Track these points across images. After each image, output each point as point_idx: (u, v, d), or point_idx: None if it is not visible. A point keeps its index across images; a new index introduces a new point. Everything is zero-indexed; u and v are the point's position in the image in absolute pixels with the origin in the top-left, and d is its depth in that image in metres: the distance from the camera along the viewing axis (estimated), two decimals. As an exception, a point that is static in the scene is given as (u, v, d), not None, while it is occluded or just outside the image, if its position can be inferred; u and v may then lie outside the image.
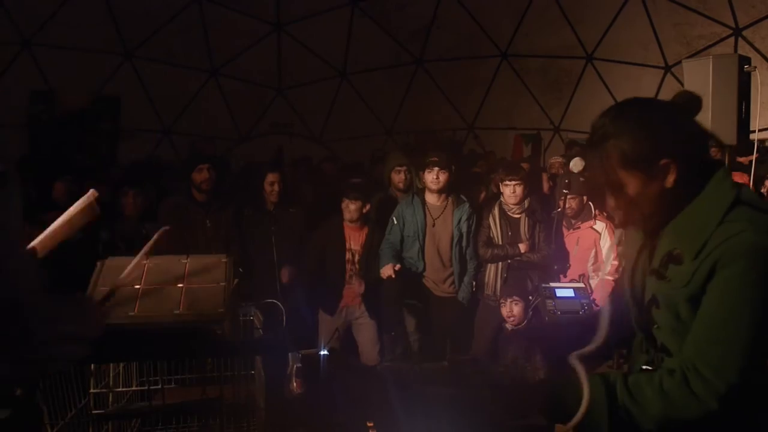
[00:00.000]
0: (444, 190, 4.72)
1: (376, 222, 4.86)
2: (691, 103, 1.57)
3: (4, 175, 0.98)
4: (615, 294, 1.84)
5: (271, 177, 4.90)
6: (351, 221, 4.67)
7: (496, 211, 4.68)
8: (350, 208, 4.64)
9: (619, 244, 1.75)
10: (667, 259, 1.51)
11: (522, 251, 4.53)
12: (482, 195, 5.91)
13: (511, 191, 4.56)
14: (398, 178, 5.33)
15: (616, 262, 4.00)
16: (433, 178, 4.65)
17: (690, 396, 1.40)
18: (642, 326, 1.64)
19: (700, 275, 1.43)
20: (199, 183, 4.67)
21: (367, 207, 4.69)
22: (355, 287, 4.63)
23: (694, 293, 1.45)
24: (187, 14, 10.51)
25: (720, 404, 1.38)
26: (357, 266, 4.65)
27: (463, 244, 4.72)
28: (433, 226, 4.71)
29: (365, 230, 4.72)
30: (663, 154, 1.47)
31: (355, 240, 4.70)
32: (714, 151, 5.70)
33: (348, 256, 4.68)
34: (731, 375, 1.38)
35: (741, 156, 6.23)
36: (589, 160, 1.58)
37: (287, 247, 4.82)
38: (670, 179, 1.48)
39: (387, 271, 4.48)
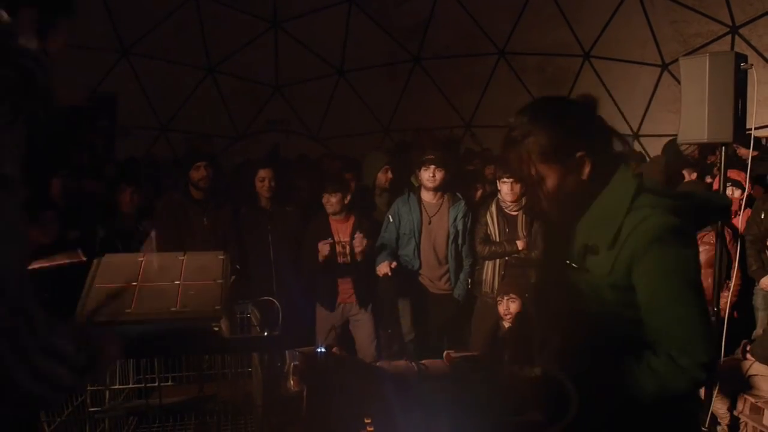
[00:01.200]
0: (440, 188, 4.72)
1: (361, 212, 4.83)
2: (590, 101, 1.70)
3: (6, 177, 0.97)
4: (540, 297, 1.95)
5: (262, 173, 4.86)
6: (335, 214, 4.66)
7: (493, 208, 4.68)
8: (331, 201, 4.62)
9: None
10: (584, 251, 1.61)
11: (520, 248, 4.53)
12: (479, 193, 5.90)
13: (508, 188, 4.56)
14: (385, 177, 5.30)
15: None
16: (430, 176, 4.65)
17: (679, 370, 1.50)
18: (574, 321, 1.71)
19: (620, 264, 1.54)
20: (197, 181, 4.66)
21: (348, 198, 4.67)
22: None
23: (617, 281, 1.56)
24: (184, 11, 10.50)
25: (706, 372, 1.50)
26: (348, 258, 4.64)
27: (459, 241, 4.72)
28: (429, 223, 4.72)
29: (351, 220, 4.71)
30: (578, 147, 1.59)
31: (343, 232, 4.69)
32: (711, 157, 5.74)
33: (339, 248, 4.67)
34: (708, 344, 1.51)
35: (743, 148, 6.25)
36: (510, 157, 1.67)
37: (284, 246, 4.81)
38: (586, 171, 1.60)
39: (383, 269, 4.48)
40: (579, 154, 1.59)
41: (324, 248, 4.46)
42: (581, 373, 1.57)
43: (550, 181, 1.61)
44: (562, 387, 1.51)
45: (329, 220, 4.69)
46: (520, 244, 4.54)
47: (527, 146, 1.61)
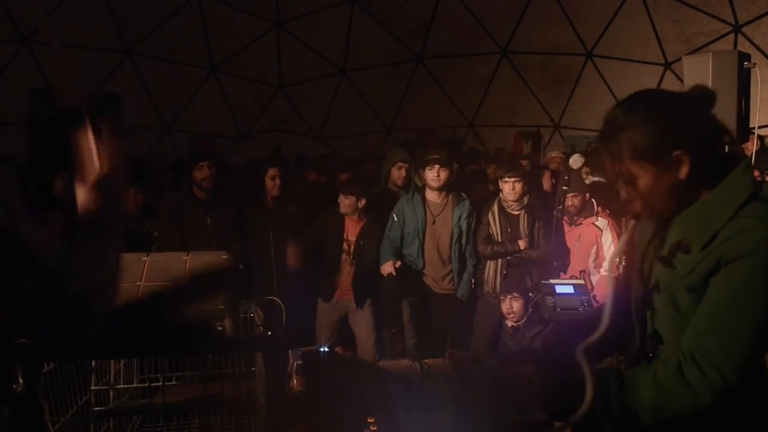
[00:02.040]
0: (444, 188, 4.72)
1: (374, 214, 4.87)
2: (705, 96, 1.56)
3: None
4: (618, 288, 1.84)
5: (272, 171, 4.91)
6: (347, 214, 4.71)
7: (495, 208, 4.68)
8: (345, 203, 4.69)
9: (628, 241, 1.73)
10: (675, 248, 1.50)
11: (521, 248, 4.53)
12: (484, 192, 5.91)
13: (510, 188, 4.56)
14: (398, 174, 5.33)
15: (617, 259, 4.00)
16: (434, 175, 4.66)
17: (684, 387, 1.40)
18: (639, 312, 1.64)
19: (704, 266, 1.42)
20: (200, 180, 4.68)
21: (362, 202, 4.71)
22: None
23: (695, 283, 1.44)
24: (187, 11, 10.51)
25: (714, 398, 1.38)
26: (351, 256, 4.68)
27: (463, 241, 4.72)
28: (434, 223, 4.72)
29: (363, 222, 4.76)
30: (675, 145, 1.45)
31: (352, 231, 4.75)
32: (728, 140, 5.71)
33: (344, 246, 4.71)
34: (727, 368, 1.37)
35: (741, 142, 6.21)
36: (602, 153, 1.56)
37: (284, 245, 4.84)
38: (683, 171, 1.46)
39: (387, 268, 4.50)
40: (676, 153, 1.45)
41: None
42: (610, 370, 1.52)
43: (642, 181, 1.49)
44: (580, 384, 1.46)
45: (344, 217, 4.74)
46: (521, 244, 4.54)
47: (619, 143, 1.49)
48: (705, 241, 1.43)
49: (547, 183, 6.07)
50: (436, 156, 4.70)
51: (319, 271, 4.80)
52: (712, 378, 1.37)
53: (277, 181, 4.88)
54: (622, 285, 1.80)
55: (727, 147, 1.63)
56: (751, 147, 6.09)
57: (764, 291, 1.36)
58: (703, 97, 1.56)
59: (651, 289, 1.57)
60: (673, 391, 1.41)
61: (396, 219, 4.75)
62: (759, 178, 5.36)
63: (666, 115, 1.49)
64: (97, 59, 9.83)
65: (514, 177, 4.57)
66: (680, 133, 1.47)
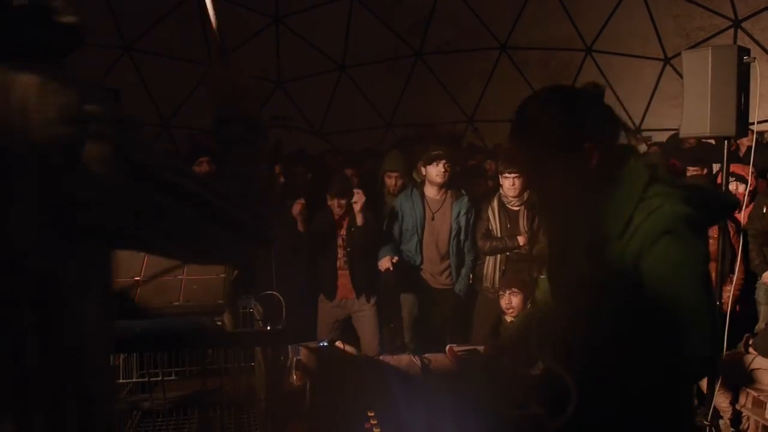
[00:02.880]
0: (445, 184, 4.72)
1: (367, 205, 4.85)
2: (598, 90, 1.65)
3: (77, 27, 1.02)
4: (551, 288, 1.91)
5: (275, 169, 4.94)
6: (339, 216, 4.68)
7: (495, 203, 4.68)
8: (341, 203, 4.62)
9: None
10: (593, 242, 1.58)
11: (521, 244, 4.53)
12: (483, 188, 5.91)
13: (510, 184, 4.55)
14: (389, 182, 5.31)
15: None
16: (439, 171, 4.63)
17: (677, 361, 1.49)
18: (577, 309, 1.69)
19: (630, 254, 1.51)
20: None
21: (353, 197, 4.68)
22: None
23: (626, 271, 1.53)
24: (186, 7, 10.48)
25: (705, 366, 1.52)
26: (347, 250, 4.65)
27: (461, 237, 4.72)
28: (432, 219, 4.71)
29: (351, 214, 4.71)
30: (586, 138, 1.55)
31: (344, 226, 4.72)
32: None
33: (340, 241, 4.68)
34: (708, 338, 1.48)
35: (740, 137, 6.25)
36: (516, 146, 1.64)
37: (284, 239, 4.83)
38: (593, 162, 1.56)
39: (385, 263, 4.49)
40: (587, 145, 1.55)
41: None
42: (584, 365, 1.56)
43: (553, 171, 1.58)
44: (562, 381, 1.51)
45: (333, 216, 4.70)
46: (520, 240, 4.54)
47: (534, 135, 1.57)
48: (620, 229, 1.52)
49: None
50: (440, 152, 4.68)
51: (320, 269, 4.76)
52: (705, 349, 1.48)
53: (280, 179, 4.91)
54: (552, 285, 1.90)
55: (716, 138, 1.74)
56: (747, 142, 6.10)
57: (694, 257, 1.48)
58: (596, 91, 1.65)
59: (581, 285, 1.63)
60: (674, 366, 1.51)
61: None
62: (754, 174, 5.36)
63: (578, 110, 1.58)
64: (96, 55, 9.82)
65: (514, 173, 4.57)
66: (589, 126, 1.56)
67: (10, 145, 0.89)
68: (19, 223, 0.90)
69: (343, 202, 4.60)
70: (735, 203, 1.70)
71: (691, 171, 5.77)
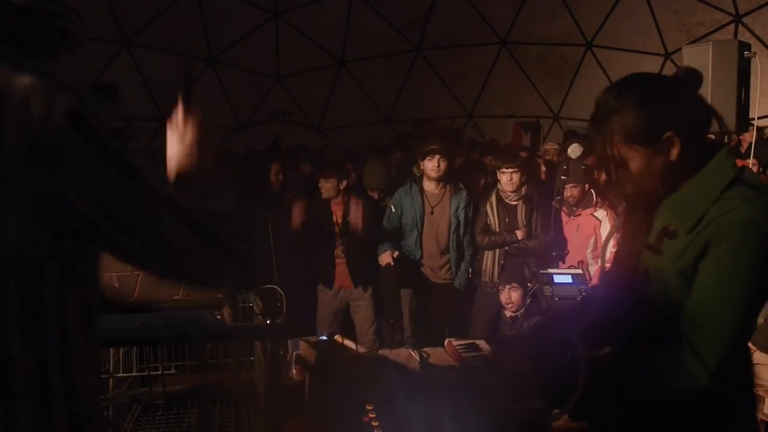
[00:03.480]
0: (443, 179, 4.72)
1: (360, 195, 4.88)
2: (692, 77, 1.57)
3: (127, 129, 1.01)
4: (607, 276, 1.85)
5: (275, 167, 4.93)
6: (330, 198, 4.70)
7: (493, 198, 4.68)
8: (326, 186, 4.67)
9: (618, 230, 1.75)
10: (662, 233, 1.52)
11: (519, 238, 4.54)
12: (481, 183, 5.90)
13: (508, 179, 4.56)
14: (373, 195, 5.26)
15: (614, 249, 4.00)
16: (434, 166, 4.65)
17: (682, 372, 1.42)
18: (630, 300, 1.65)
19: (693, 249, 1.44)
20: None
21: (344, 183, 4.72)
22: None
23: (685, 267, 1.46)
24: (185, 2, 10.45)
25: (710, 380, 1.40)
26: (344, 239, 4.69)
27: (461, 231, 4.73)
28: (432, 213, 4.72)
29: (344, 204, 4.77)
30: (666, 127, 1.47)
31: (339, 214, 4.75)
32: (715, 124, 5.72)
33: (336, 230, 4.71)
34: (723, 351, 1.40)
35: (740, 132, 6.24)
36: (594, 137, 1.58)
37: (284, 233, 4.84)
38: (675, 152, 1.47)
39: (385, 258, 4.50)
40: (667, 134, 1.46)
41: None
42: (602, 356, 1.53)
43: (635, 163, 1.50)
44: (566, 377, 1.48)
45: (329, 203, 4.74)
46: (519, 234, 4.54)
47: (611, 126, 1.51)
48: (691, 224, 1.45)
49: (542, 174, 6.07)
50: (436, 146, 4.70)
51: (318, 258, 4.80)
52: (709, 361, 1.40)
53: (280, 176, 4.90)
54: (611, 272, 1.81)
55: (715, 134, 1.64)
56: (749, 138, 6.10)
57: (751, 272, 1.39)
58: (691, 79, 1.57)
59: (641, 276, 1.58)
60: (670, 375, 1.44)
61: (393, 210, 4.75)
62: (757, 168, 5.37)
63: (657, 98, 1.50)
64: (95, 50, 9.80)
65: (512, 168, 4.57)
66: (671, 115, 1.48)
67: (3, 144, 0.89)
68: (4, 220, 0.90)
69: (329, 185, 4.63)
70: None
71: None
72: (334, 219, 4.70)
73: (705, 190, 1.46)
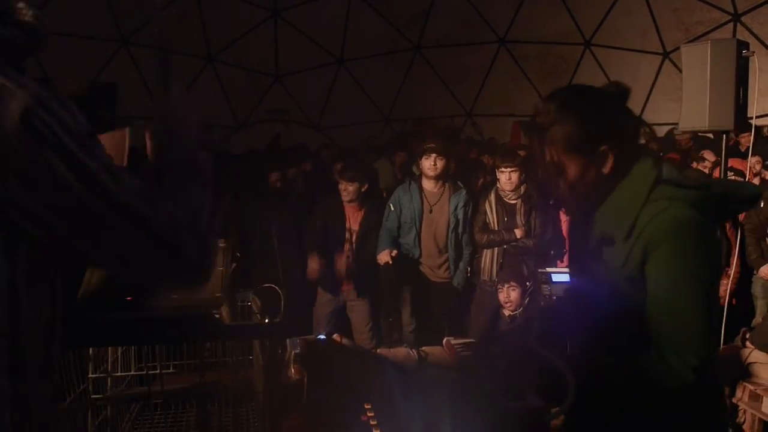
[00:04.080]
0: (441, 177, 4.72)
1: (374, 202, 4.87)
2: (621, 91, 1.64)
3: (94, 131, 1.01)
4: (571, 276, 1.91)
5: (274, 176, 4.95)
6: (350, 201, 4.68)
7: (492, 197, 4.68)
8: (349, 189, 4.64)
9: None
10: (600, 242, 1.59)
11: (518, 236, 4.54)
12: (480, 182, 5.91)
13: (507, 178, 4.56)
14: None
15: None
16: (431, 164, 4.66)
17: (668, 371, 1.47)
18: (587, 306, 1.70)
19: (635, 256, 1.51)
20: None
21: (365, 187, 4.71)
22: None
23: (631, 274, 1.52)
24: (184, 0, 10.45)
25: (695, 374, 1.46)
26: (354, 246, 4.67)
27: (459, 230, 4.73)
28: (431, 212, 4.72)
29: (363, 210, 4.75)
30: (602, 141, 1.55)
31: (353, 220, 4.74)
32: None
33: (347, 235, 4.71)
34: (700, 346, 1.46)
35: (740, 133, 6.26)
36: (533, 143, 1.65)
37: (286, 234, 4.84)
38: (608, 165, 1.56)
39: (384, 257, 4.50)
40: (603, 147, 1.54)
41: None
42: (583, 364, 1.57)
43: (571, 171, 1.58)
44: (560, 375, 1.50)
45: (343, 205, 4.72)
46: (518, 233, 4.54)
47: (552, 135, 1.57)
48: (626, 231, 1.52)
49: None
50: (433, 145, 4.70)
51: (322, 257, 4.79)
52: (690, 359, 1.45)
53: (280, 184, 4.95)
54: (570, 277, 1.89)
55: (715, 133, 1.71)
56: (746, 141, 6.10)
57: (697, 265, 1.47)
58: (620, 92, 1.64)
59: (592, 281, 1.65)
60: (656, 376, 1.49)
61: (393, 208, 4.75)
62: (760, 166, 5.36)
63: (596, 112, 1.58)
64: (94, 48, 9.79)
65: (511, 167, 4.57)
66: (607, 129, 1.56)
67: None
68: None
69: (351, 188, 4.62)
70: (756, 194, 1.65)
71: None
72: (348, 224, 4.70)
73: (631, 195, 1.54)
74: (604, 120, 1.57)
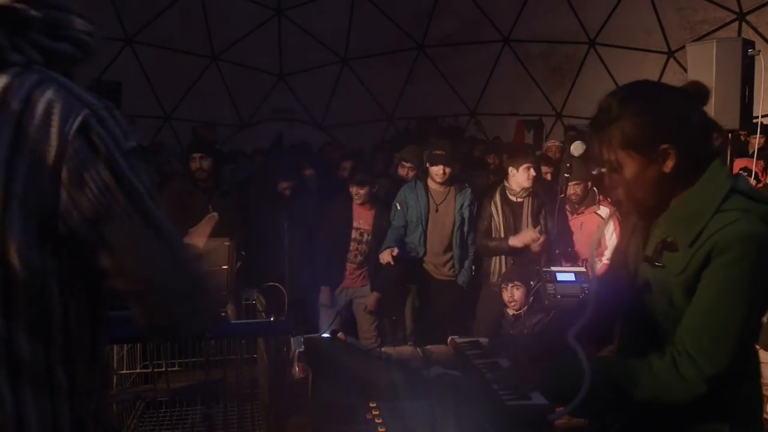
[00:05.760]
0: (448, 182, 4.74)
1: (383, 202, 4.94)
2: (699, 92, 1.58)
3: (140, 149, 1.05)
4: (607, 275, 1.86)
5: (283, 184, 4.96)
6: (362, 204, 4.79)
7: (497, 197, 4.65)
8: (361, 193, 4.75)
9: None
10: (661, 246, 1.53)
11: (519, 246, 4.47)
12: (484, 181, 5.91)
13: (525, 175, 4.50)
14: (403, 171, 5.42)
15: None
16: (439, 171, 4.65)
17: (679, 379, 1.44)
18: (632, 310, 1.65)
19: (695, 263, 1.45)
20: (194, 171, 4.68)
21: (375, 187, 4.84)
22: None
23: (688, 281, 1.47)
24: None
25: (708, 387, 1.42)
26: (364, 246, 4.76)
27: (465, 228, 4.73)
28: (437, 211, 4.73)
29: (374, 210, 4.84)
30: (664, 139, 1.48)
31: (364, 219, 4.80)
32: (715, 137, 5.69)
33: (356, 235, 4.77)
34: (721, 359, 1.42)
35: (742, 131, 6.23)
36: (592, 139, 1.59)
37: (298, 233, 4.84)
38: (669, 165, 1.49)
39: (385, 257, 4.52)
40: (663, 146, 1.48)
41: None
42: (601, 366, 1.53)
43: (629, 170, 1.52)
44: (579, 375, 1.48)
45: (352, 205, 4.79)
46: (516, 242, 4.46)
47: (611, 130, 1.52)
48: (691, 238, 1.46)
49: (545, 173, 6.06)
50: (442, 153, 4.68)
51: (331, 262, 4.83)
52: (707, 369, 1.41)
53: (287, 192, 4.96)
54: (611, 274, 1.82)
55: (716, 142, 1.65)
56: (755, 143, 6.07)
57: (751, 283, 1.41)
58: (697, 93, 1.58)
59: (640, 289, 1.59)
60: (668, 382, 1.45)
61: (399, 207, 4.76)
62: (761, 168, 5.34)
63: (659, 108, 1.51)
64: (98, 47, 9.79)
65: (527, 162, 4.54)
66: (670, 127, 1.49)
67: (16, 154, 0.93)
68: (11, 229, 0.94)
69: (363, 191, 4.71)
70: None
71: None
72: (357, 223, 4.79)
73: (703, 203, 1.48)
74: (668, 118, 1.50)
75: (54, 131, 0.94)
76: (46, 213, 0.95)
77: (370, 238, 4.79)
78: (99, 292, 1.06)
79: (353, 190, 4.76)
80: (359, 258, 4.83)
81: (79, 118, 0.95)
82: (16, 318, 0.97)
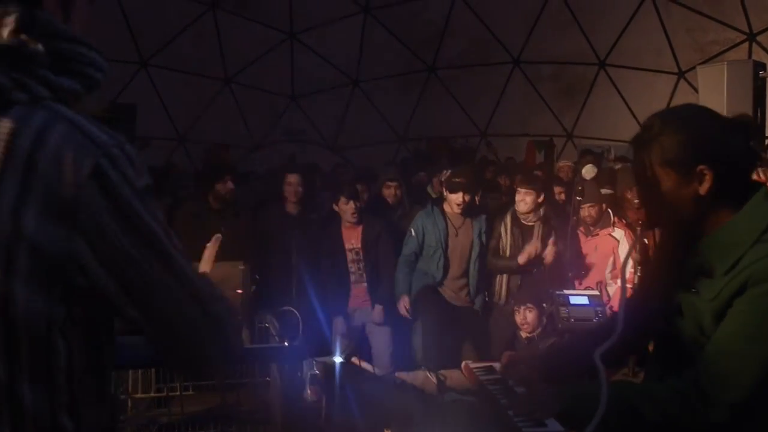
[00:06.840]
0: (466, 210, 4.70)
1: (369, 216, 4.95)
2: (744, 122, 1.59)
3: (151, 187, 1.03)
4: (634, 298, 1.84)
5: (290, 178, 4.93)
6: (350, 222, 4.76)
7: (508, 219, 4.65)
8: (351, 208, 4.72)
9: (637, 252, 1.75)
10: (699, 272, 1.52)
11: (521, 263, 4.47)
12: (497, 203, 5.90)
13: (521, 199, 4.53)
14: (388, 192, 5.52)
15: (632, 270, 3.97)
16: (459, 199, 4.60)
17: (688, 408, 1.43)
18: (661, 333, 1.64)
19: (728, 291, 1.44)
20: (224, 194, 4.70)
21: (359, 205, 4.81)
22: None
23: (719, 308, 1.46)
24: (202, 23, 10.62)
25: (727, 414, 1.40)
26: (362, 264, 4.75)
27: (481, 253, 4.71)
28: (456, 235, 4.70)
29: (360, 227, 4.82)
30: (702, 160, 1.47)
31: (355, 239, 4.79)
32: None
33: (352, 255, 4.76)
34: (741, 388, 1.41)
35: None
36: (634, 156, 1.60)
37: (307, 253, 4.85)
38: (705, 187, 1.48)
39: (401, 309, 4.57)
40: (700, 167, 1.47)
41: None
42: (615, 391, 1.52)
43: (664, 186, 1.51)
44: (595, 394, 1.47)
45: (340, 228, 4.77)
46: (520, 259, 4.46)
47: (651, 147, 1.52)
48: (728, 266, 1.44)
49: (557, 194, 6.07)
50: (462, 180, 4.64)
51: (332, 287, 4.84)
52: (727, 397, 1.40)
53: (294, 188, 4.91)
54: (636, 297, 1.80)
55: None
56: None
57: None
58: (742, 122, 1.58)
59: (672, 312, 1.58)
60: (687, 407, 1.44)
61: (413, 234, 4.71)
62: None
63: (699, 130, 1.52)
64: (113, 70, 9.87)
65: (525, 188, 4.56)
66: (709, 149, 1.49)
67: (25, 200, 0.90)
68: (17, 279, 0.92)
69: (348, 207, 4.71)
70: None
71: None
72: (348, 245, 4.78)
73: (744, 231, 1.46)
74: (707, 140, 1.50)
75: (66, 177, 0.91)
76: (57, 260, 0.92)
77: (363, 254, 4.79)
78: (107, 335, 1.05)
79: (341, 207, 4.74)
80: (363, 275, 4.82)
81: (91, 162, 0.92)
82: (19, 365, 0.94)
